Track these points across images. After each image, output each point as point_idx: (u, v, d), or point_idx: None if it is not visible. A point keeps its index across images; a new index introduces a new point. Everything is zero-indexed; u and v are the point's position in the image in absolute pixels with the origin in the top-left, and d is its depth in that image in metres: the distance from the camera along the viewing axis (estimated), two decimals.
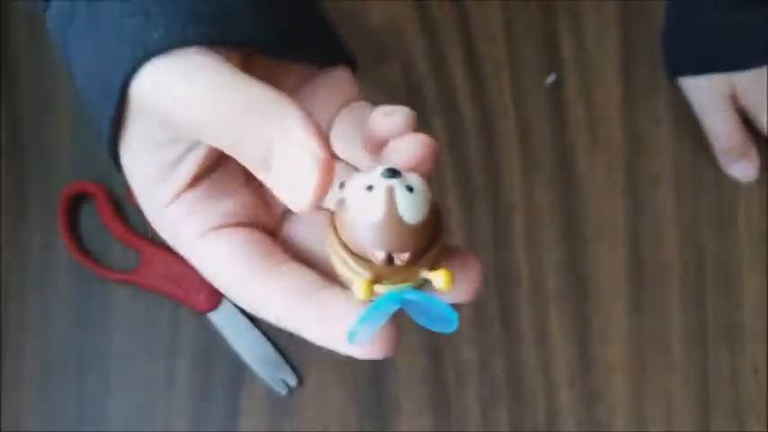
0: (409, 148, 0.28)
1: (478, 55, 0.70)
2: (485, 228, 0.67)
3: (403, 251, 0.26)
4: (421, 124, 0.75)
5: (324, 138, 0.26)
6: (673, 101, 0.70)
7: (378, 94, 0.68)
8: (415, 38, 0.70)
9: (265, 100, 0.27)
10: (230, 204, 0.31)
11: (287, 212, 0.32)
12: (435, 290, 0.27)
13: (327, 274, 0.30)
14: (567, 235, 0.68)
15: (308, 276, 0.29)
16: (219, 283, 0.30)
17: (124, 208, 0.66)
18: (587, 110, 0.69)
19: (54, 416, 0.63)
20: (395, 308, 0.27)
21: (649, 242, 0.68)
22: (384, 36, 0.70)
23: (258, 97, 0.27)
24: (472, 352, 0.65)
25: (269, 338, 0.64)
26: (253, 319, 0.64)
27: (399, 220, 0.26)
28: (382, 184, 0.26)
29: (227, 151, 0.28)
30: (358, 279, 0.26)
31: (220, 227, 0.30)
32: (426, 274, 0.27)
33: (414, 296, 0.26)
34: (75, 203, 0.66)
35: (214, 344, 0.64)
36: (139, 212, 0.66)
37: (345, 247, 0.27)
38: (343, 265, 0.27)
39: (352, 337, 0.27)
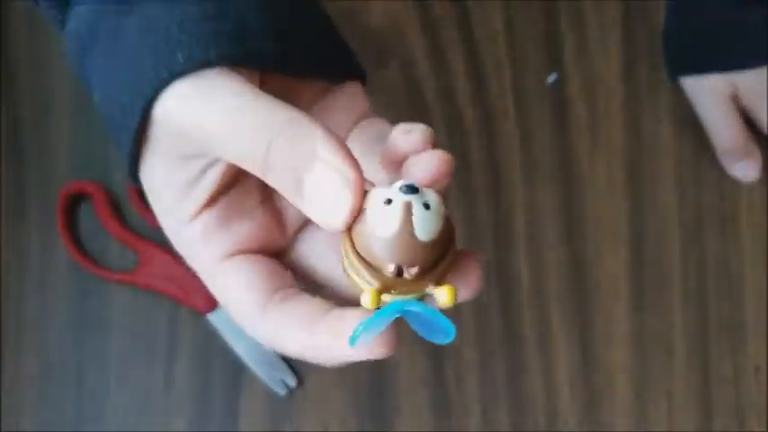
0: (428, 164, 0.28)
1: (479, 55, 0.70)
2: (485, 228, 0.67)
3: (413, 265, 0.27)
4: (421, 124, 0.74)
5: (351, 156, 0.27)
6: (674, 101, 0.70)
7: (378, 94, 0.68)
8: (416, 37, 0.70)
9: (290, 122, 0.27)
10: (246, 227, 0.31)
11: (298, 233, 0.33)
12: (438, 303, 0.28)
13: (333, 292, 0.31)
14: (567, 235, 0.67)
15: (315, 304, 0.30)
16: (233, 313, 0.31)
17: (123, 208, 0.66)
18: (588, 110, 0.69)
19: (53, 416, 0.63)
20: (397, 316, 0.28)
21: (651, 242, 0.68)
22: (384, 36, 0.70)
23: (283, 119, 0.27)
24: (473, 352, 0.65)
25: None
26: None
27: (413, 236, 0.26)
28: (400, 199, 0.27)
29: (255, 172, 0.28)
30: (367, 289, 0.27)
31: (236, 252, 0.31)
32: (431, 290, 0.28)
33: (416, 308, 0.27)
34: (74, 203, 0.66)
35: (213, 344, 0.64)
36: (139, 213, 0.66)
37: (359, 255, 0.27)
38: (354, 272, 0.28)
39: (353, 340, 0.27)
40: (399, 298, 0.28)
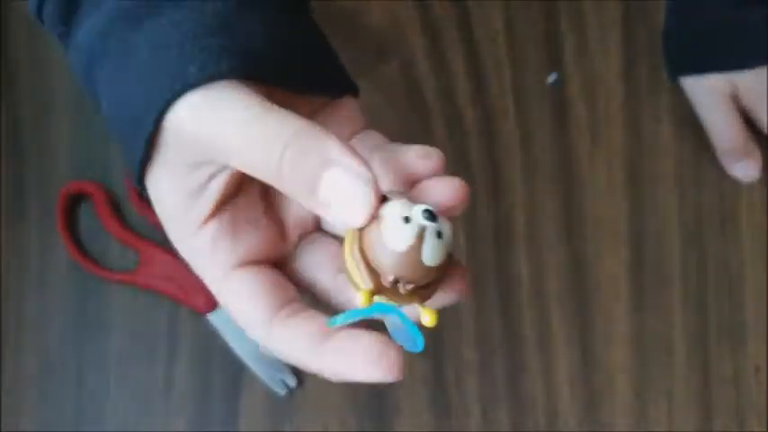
0: (448, 190, 0.31)
1: (479, 55, 0.70)
2: (486, 228, 0.67)
3: (410, 283, 0.29)
4: (421, 124, 0.75)
5: (364, 159, 0.29)
6: (674, 101, 0.70)
7: (378, 93, 0.68)
8: (416, 37, 0.70)
9: (301, 131, 0.29)
10: (252, 236, 0.33)
11: (298, 242, 0.34)
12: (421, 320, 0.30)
13: (331, 301, 0.33)
14: (568, 235, 0.67)
15: (320, 322, 0.31)
16: (240, 324, 0.32)
17: (123, 208, 0.66)
18: (588, 110, 0.69)
19: (53, 416, 0.63)
20: (376, 315, 0.30)
21: (651, 242, 0.68)
22: (384, 35, 0.70)
23: (294, 128, 0.29)
24: (473, 352, 0.65)
25: None
26: None
27: (418, 258, 0.29)
28: (418, 221, 0.29)
29: (267, 179, 0.29)
30: (362, 291, 0.29)
31: (243, 262, 0.32)
32: (418, 307, 0.30)
33: (398, 316, 0.30)
34: (74, 203, 0.66)
35: (213, 344, 0.64)
36: (139, 213, 0.66)
37: (363, 253, 0.29)
38: (354, 267, 0.30)
39: (331, 324, 0.30)
40: (384, 302, 0.30)
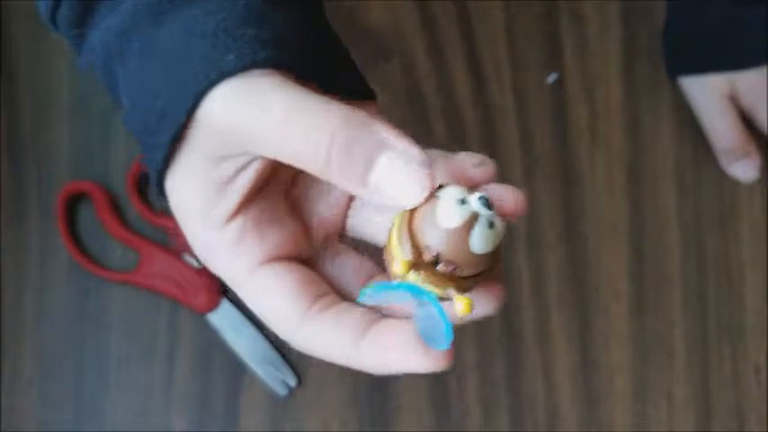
0: (511, 197, 0.31)
1: (479, 54, 0.70)
2: None
3: (451, 263, 0.29)
4: (421, 124, 0.76)
5: (418, 145, 0.29)
6: (674, 100, 0.70)
7: (378, 93, 0.68)
8: (416, 37, 0.70)
9: (348, 118, 0.28)
10: (278, 234, 0.32)
11: (325, 243, 0.34)
12: (453, 310, 0.29)
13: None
14: (567, 235, 0.67)
15: (359, 314, 0.30)
16: (268, 321, 0.31)
17: (123, 208, 0.65)
18: (588, 109, 0.69)
19: (53, 416, 0.63)
20: (409, 299, 0.29)
21: (650, 242, 0.68)
22: (385, 35, 0.70)
23: (341, 115, 0.28)
24: (473, 352, 0.65)
25: (268, 339, 0.64)
26: (252, 319, 0.64)
27: (465, 241, 0.28)
28: (473, 206, 0.29)
29: (313, 168, 0.29)
30: (401, 259, 0.29)
31: (269, 259, 0.31)
32: (453, 294, 0.29)
33: (432, 303, 0.29)
34: (74, 203, 0.65)
35: (213, 344, 0.64)
36: (139, 213, 0.66)
37: (411, 232, 0.29)
38: (397, 239, 0.29)
39: (362, 295, 0.30)
40: (422, 285, 0.29)
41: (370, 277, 0.33)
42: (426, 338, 0.30)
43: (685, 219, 0.68)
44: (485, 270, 0.30)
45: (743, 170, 0.68)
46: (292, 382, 0.64)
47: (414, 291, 0.29)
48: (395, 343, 0.29)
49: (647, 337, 0.66)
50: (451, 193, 0.29)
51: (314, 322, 0.30)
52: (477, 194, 0.29)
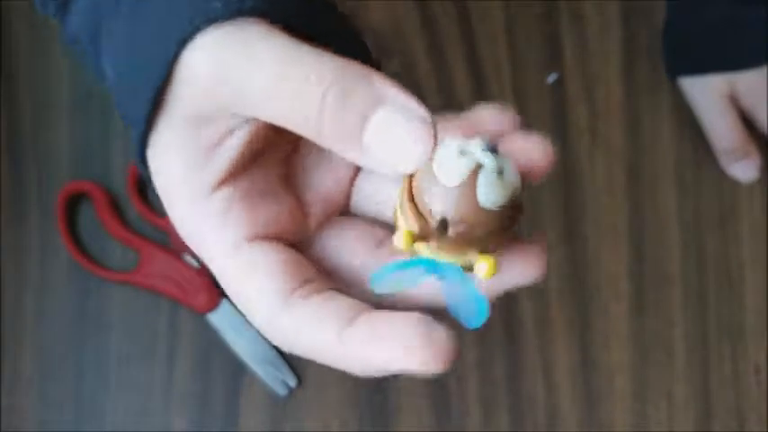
0: (534, 147, 0.27)
1: (479, 54, 0.70)
2: None
3: (460, 226, 0.25)
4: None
5: (420, 100, 0.25)
6: (674, 100, 0.70)
7: None
8: (416, 37, 0.70)
9: (344, 69, 0.25)
10: (270, 210, 0.29)
11: (321, 226, 0.30)
12: (478, 277, 0.26)
13: (359, 294, 0.28)
14: (567, 235, 0.67)
15: (347, 302, 0.27)
16: (246, 305, 0.28)
17: (123, 208, 0.65)
18: (588, 109, 0.69)
19: (53, 416, 0.63)
20: (428, 276, 0.26)
21: (650, 242, 0.68)
22: (384, 35, 0.69)
23: (335, 67, 0.25)
24: (473, 352, 0.65)
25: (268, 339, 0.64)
26: None
27: (472, 196, 0.25)
28: (475, 155, 0.25)
29: (303, 129, 0.26)
30: (404, 230, 0.25)
31: (257, 236, 0.28)
32: (473, 257, 0.25)
33: (454, 275, 0.25)
34: (74, 203, 0.65)
35: (213, 344, 0.64)
36: (139, 213, 0.65)
37: (413, 200, 0.26)
38: (401, 213, 0.26)
39: (374, 281, 0.26)
40: (442, 258, 0.26)
41: (380, 244, 0.29)
42: (459, 315, 0.26)
43: (685, 219, 0.68)
44: (508, 224, 0.26)
45: (743, 170, 0.68)
46: (292, 382, 0.64)
47: (429, 265, 0.25)
48: (387, 333, 0.25)
49: (647, 337, 0.66)
50: (450, 147, 0.25)
51: (296, 308, 0.27)
52: (478, 140, 0.25)
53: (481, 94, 0.69)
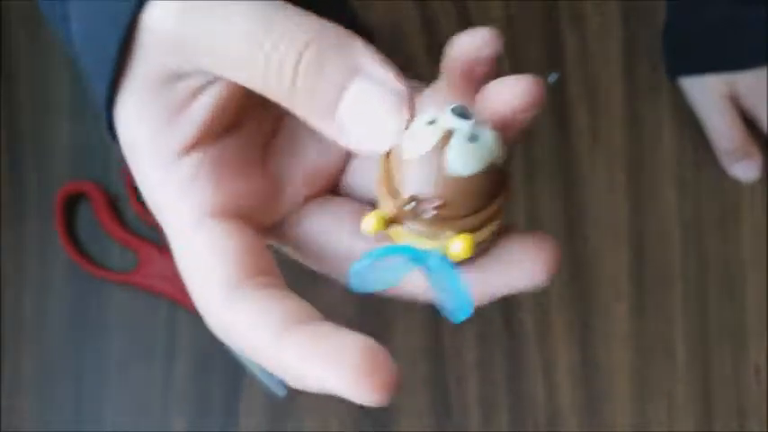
0: (512, 86, 0.24)
1: None
2: None
3: (432, 202, 0.22)
4: None
5: (397, 70, 0.23)
6: (675, 100, 0.70)
7: None
8: (416, 36, 0.70)
9: (322, 31, 0.23)
10: (239, 183, 0.26)
11: (297, 206, 0.28)
12: (457, 262, 0.23)
13: (338, 277, 0.27)
14: (568, 235, 0.67)
15: (298, 305, 0.24)
16: (193, 286, 0.26)
17: (122, 208, 0.65)
18: (589, 109, 0.69)
19: (53, 416, 0.63)
20: (412, 268, 0.24)
21: (651, 242, 0.68)
22: (384, 34, 0.69)
23: (313, 28, 0.23)
24: (473, 352, 0.65)
25: None
26: None
27: (442, 165, 0.22)
28: (444, 122, 0.23)
29: (273, 93, 0.24)
30: (372, 213, 0.23)
31: (222, 213, 0.26)
32: (446, 237, 0.23)
33: (437, 263, 0.23)
34: (73, 204, 0.65)
35: (213, 345, 0.64)
36: (138, 213, 0.65)
37: (388, 181, 0.24)
38: (378, 200, 0.24)
39: (353, 277, 0.24)
40: (420, 243, 0.23)
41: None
42: (446, 307, 0.24)
43: (686, 219, 0.68)
44: (491, 196, 0.23)
45: (744, 170, 0.67)
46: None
47: (412, 254, 0.23)
48: (327, 349, 0.22)
49: (647, 338, 0.66)
50: (423, 116, 0.23)
51: (239, 302, 0.24)
52: (449, 106, 0.23)
53: None
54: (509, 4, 0.70)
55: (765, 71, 0.67)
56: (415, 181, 0.22)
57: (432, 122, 0.23)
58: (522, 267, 0.25)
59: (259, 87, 0.24)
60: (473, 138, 0.22)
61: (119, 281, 0.64)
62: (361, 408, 0.64)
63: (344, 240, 0.27)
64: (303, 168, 0.28)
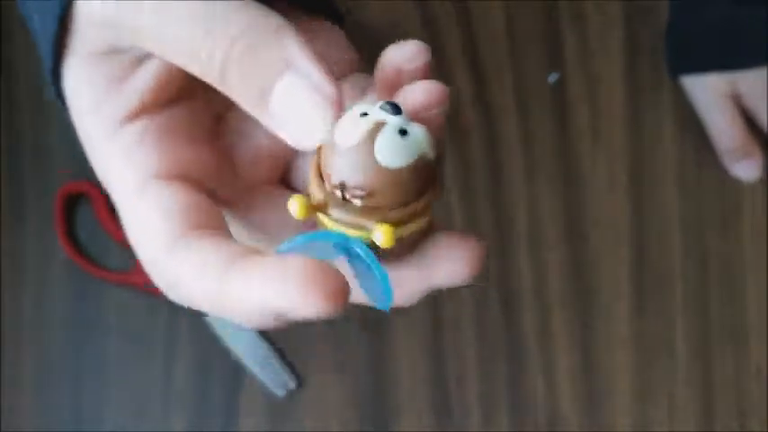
0: (422, 88, 0.25)
1: (480, 54, 0.70)
2: (486, 228, 0.67)
3: (358, 190, 0.23)
4: None
5: (328, 70, 0.23)
6: (676, 100, 0.69)
7: None
8: (416, 37, 0.69)
9: (257, 20, 0.23)
10: (185, 150, 0.26)
11: (249, 189, 0.28)
12: (379, 249, 0.24)
13: None
14: (569, 235, 0.67)
15: (236, 247, 0.24)
16: (139, 248, 0.26)
17: None
18: (590, 109, 0.69)
19: (52, 417, 0.63)
20: (336, 255, 0.24)
21: (652, 242, 0.67)
22: (384, 34, 0.69)
23: (248, 17, 0.23)
24: (473, 352, 0.65)
25: (268, 340, 0.64)
26: None
27: (370, 155, 0.23)
28: (375, 115, 0.23)
29: (208, 78, 0.24)
30: (296, 197, 0.24)
31: (169, 176, 0.26)
32: (371, 226, 0.23)
33: (358, 250, 0.23)
34: (73, 204, 0.65)
35: (212, 346, 0.64)
36: None
37: (319, 166, 0.24)
38: (310, 187, 0.25)
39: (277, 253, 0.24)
40: (346, 232, 0.24)
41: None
42: (371, 296, 0.24)
43: (687, 219, 0.68)
44: (421, 191, 0.24)
45: (745, 170, 0.67)
46: (292, 383, 0.64)
47: (338, 240, 0.23)
48: (271, 269, 0.22)
49: (648, 338, 0.66)
50: (356, 109, 0.24)
51: (186, 247, 0.24)
52: (380, 102, 0.24)
53: (482, 94, 0.69)
54: (509, 4, 0.70)
55: (766, 70, 0.67)
56: (344, 169, 0.23)
57: (364, 115, 0.23)
58: (445, 265, 0.25)
59: (197, 73, 0.24)
60: (402, 132, 0.23)
61: (118, 281, 0.64)
62: (361, 408, 0.64)
63: (286, 232, 0.27)
64: (253, 148, 0.28)
